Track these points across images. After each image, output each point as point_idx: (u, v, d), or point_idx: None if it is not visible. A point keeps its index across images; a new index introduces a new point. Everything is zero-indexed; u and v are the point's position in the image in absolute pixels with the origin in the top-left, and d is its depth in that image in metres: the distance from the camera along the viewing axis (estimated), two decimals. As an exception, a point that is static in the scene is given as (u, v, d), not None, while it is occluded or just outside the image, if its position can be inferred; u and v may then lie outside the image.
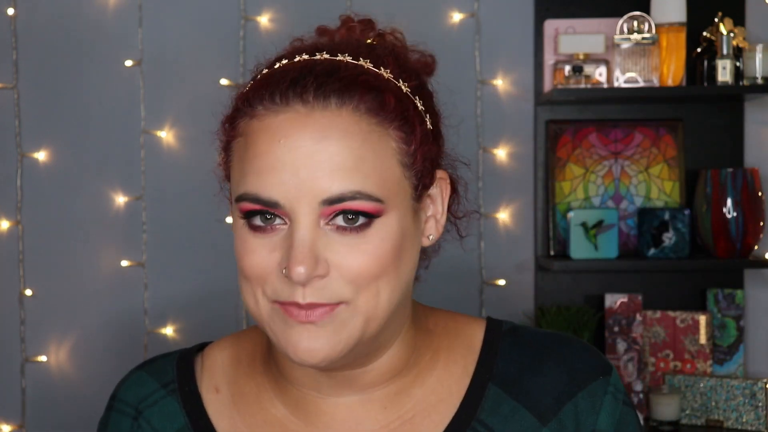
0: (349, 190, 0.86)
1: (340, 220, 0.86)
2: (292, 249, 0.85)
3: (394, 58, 0.94)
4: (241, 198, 0.88)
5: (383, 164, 0.88)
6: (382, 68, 0.92)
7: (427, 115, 0.93)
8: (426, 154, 0.91)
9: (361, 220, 0.87)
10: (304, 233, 0.86)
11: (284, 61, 0.93)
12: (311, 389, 0.96)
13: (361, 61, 0.91)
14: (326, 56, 0.92)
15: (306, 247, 0.85)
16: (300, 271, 0.84)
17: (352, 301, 0.87)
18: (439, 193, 0.95)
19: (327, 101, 0.87)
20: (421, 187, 0.91)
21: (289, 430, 0.97)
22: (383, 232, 0.88)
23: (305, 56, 0.92)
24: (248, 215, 0.88)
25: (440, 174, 0.95)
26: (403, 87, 0.92)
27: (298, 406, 0.97)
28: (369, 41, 0.99)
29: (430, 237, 0.95)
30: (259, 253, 0.88)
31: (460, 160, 1.00)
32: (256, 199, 0.87)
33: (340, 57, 0.91)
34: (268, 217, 0.88)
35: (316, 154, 0.86)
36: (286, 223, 0.87)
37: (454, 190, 0.98)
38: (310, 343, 0.87)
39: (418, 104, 0.93)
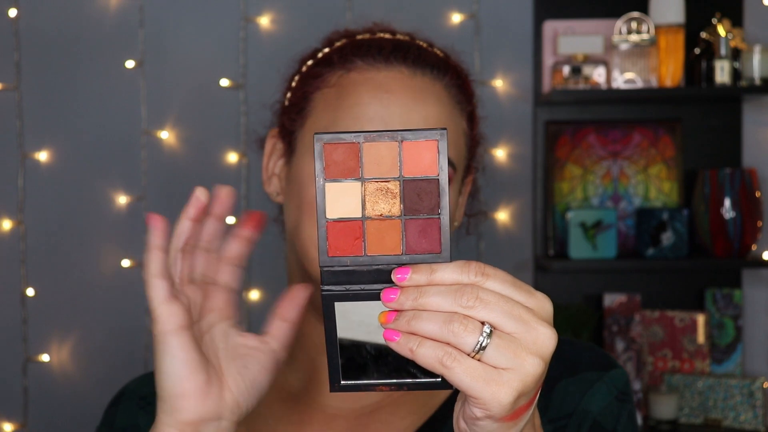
0: None
1: None
2: None
3: (454, 58, 1.02)
4: None
5: (458, 138, 0.97)
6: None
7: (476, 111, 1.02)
8: (476, 144, 1.01)
9: None
10: None
11: (366, 35, 0.99)
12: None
13: (435, 49, 0.99)
14: (407, 38, 0.99)
15: None
16: None
17: None
18: (467, 186, 1.03)
19: (426, 69, 0.95)
20: (467, 172, 1.00)
21: (301, 402, 1.00)
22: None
23: (388, 35, 0.99)
24: None
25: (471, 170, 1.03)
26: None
27: (309, 377, 1.00)
28: None
29: (455, 223, 1.02)
30: None
31: (474, 165, 1.07)
32: None
33: (419, 42, 0.99)
34: None
35: (412, 113, 0.92)
36: None
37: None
38: None
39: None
